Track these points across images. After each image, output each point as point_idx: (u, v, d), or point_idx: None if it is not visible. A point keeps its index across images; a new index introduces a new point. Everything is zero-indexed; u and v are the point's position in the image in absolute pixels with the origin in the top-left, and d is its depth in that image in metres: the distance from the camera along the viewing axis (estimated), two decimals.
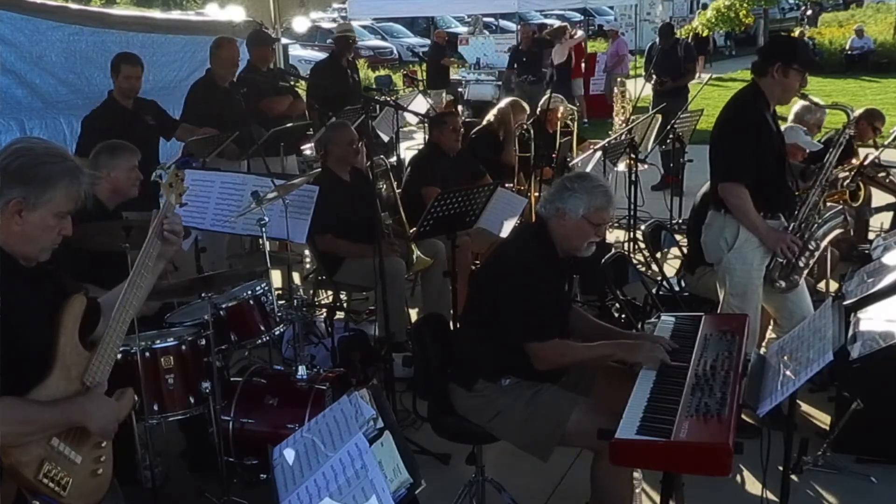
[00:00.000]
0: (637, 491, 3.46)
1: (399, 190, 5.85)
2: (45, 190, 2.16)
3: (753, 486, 3.77)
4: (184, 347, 3.58)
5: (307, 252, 6.06)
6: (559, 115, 7.72)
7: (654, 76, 10.16)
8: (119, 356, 3.34)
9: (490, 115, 7.00)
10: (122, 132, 4.84)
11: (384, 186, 6.35)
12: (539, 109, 7.60)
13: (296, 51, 18.67)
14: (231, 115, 5.64)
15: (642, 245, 6.29)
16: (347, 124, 5.54)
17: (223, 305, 3.86)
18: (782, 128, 4.47)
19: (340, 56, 8.06)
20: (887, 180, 6.03)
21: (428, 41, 20.24)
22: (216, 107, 5.91)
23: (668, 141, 7.63)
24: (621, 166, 7.09)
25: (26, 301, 2.18)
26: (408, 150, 8.97)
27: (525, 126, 6.75)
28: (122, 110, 5.64)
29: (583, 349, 3.26)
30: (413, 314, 5.37)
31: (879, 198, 6.40)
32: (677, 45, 10.58)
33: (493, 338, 3.27)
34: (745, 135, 4.00)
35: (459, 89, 14.78)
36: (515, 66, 13.51)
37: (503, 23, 22.29)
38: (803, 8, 30.22)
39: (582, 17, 24.74)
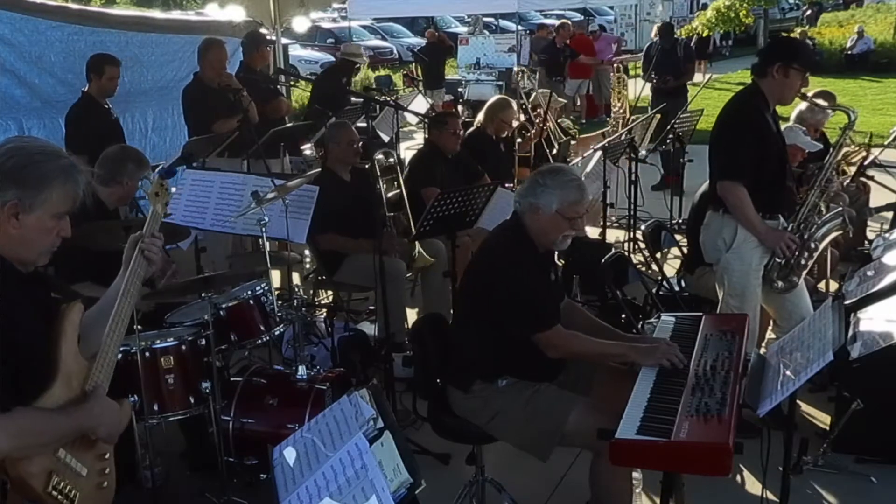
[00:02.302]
0: (637, 491, 3.46)
1: (397, 190, 5.84)
2: (40, 190, 2.08)
3: (753, 486, 3.77)
4: (184, 347, 3.58)
5: (307, 252, 6.06)
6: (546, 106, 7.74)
7: (653, 77, 10.15)
8: (119, 356, 3.36)
9: (480, 115, 6.84)
10: (106, 132, 4.88)
11: (385, 186, 6.33)
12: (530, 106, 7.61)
13: (296, 51, 18.68)
14: (230, 112, 5.66)
15: (642, 245, 6.29)
16: (348, 124, 5.55)
17: (223, 305, 3.86)
18: (782, 128, 4.46)
19: (341, 73, 8.04)
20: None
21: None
22: (212, 107, 5.90)
23: (668, 141, 7.62)
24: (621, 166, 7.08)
25: (25, 308, 2.11)
26: (408, 150, 8.96)
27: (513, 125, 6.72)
28: (103, 110, 5.70)
29: (595, 343, 3.25)
30: (413, 314, 5.37)
31: (880, 198, 6.40)
32: (677, 45, 10.58)
33: (487, 338, 3.26)
34: (744, 134, 4.00)
35: (459, 89, 14.76)
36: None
37: (503, 23, 22.27)
38: (803, 8, 30.19)
39: (582, 17, 24.75)
